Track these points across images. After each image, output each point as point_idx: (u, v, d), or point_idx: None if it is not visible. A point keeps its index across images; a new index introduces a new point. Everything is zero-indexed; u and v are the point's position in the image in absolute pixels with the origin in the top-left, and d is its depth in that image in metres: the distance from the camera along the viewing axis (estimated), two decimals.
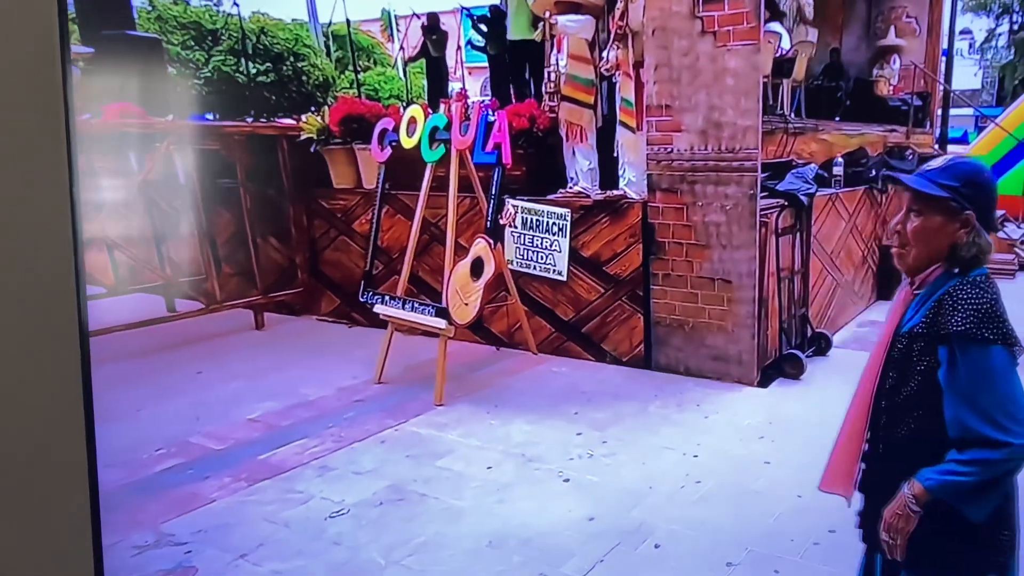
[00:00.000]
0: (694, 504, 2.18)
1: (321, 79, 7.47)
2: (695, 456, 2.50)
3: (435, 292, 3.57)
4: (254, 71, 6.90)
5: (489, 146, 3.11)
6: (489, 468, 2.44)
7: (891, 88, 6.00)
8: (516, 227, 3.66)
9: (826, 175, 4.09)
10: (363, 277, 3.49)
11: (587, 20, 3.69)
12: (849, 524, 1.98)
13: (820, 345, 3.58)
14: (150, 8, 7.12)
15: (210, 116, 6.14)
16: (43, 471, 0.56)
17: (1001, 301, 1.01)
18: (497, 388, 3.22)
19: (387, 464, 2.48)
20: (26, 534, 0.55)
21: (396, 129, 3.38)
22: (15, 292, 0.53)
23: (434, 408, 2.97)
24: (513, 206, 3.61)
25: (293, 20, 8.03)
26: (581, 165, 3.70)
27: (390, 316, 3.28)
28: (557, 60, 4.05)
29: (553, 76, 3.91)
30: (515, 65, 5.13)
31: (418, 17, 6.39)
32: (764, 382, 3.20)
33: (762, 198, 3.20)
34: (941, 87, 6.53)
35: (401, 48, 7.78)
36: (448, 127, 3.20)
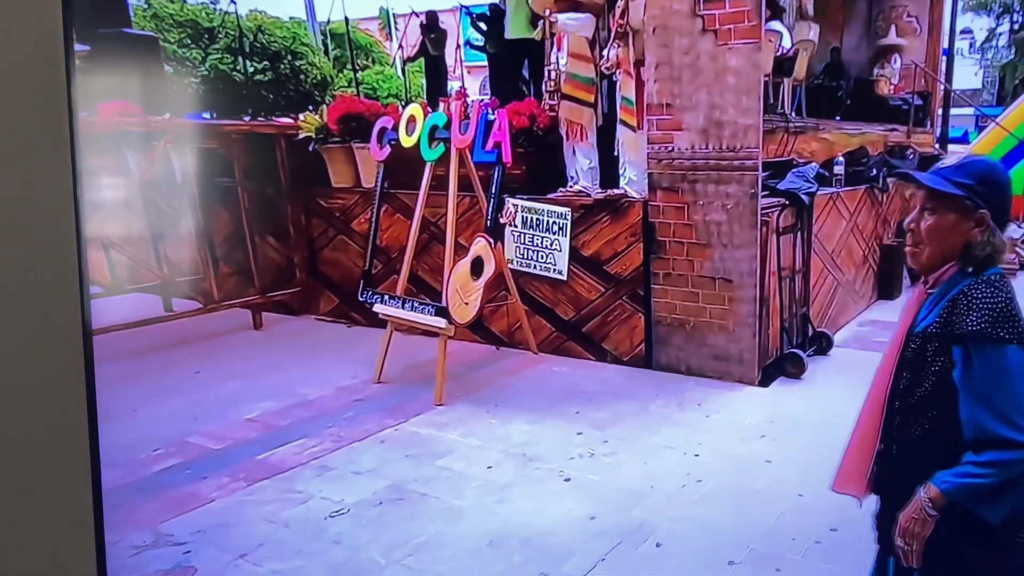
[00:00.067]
0: (695, 503, 2.18)
1: (319, 78, 7.45)
2: (696, 455, 2.50)
3: (435, 291, 3.56)
4: (251, 69, 6.87)
5: (489, 145, 3.10)
6: (489, 468, 2.43)
7: (892, 87, 6.00)
8: (516, 226, 3.64)
9: (827, 174, 4.08)
10: (362, 276, 3.48)
11: (587, 18, 3.68)
12: (850, 523, 1.98)
13: (821, 344, 3.57)
14: (146, 6, 7.09)
15: (207, 115, 6.11)
16: (47, 470, 0.56)
17: (1016, 300, 1.00)
18: (497, 388, 3.21)
19: (387, 464, 2.47)
20: (30, 533, 0.55)
21: (395, 128, 3.37)
22: (19, 291, 0.53)
23: (434, 408, 2.95)
24: (513, 205, 3.59)
25: (291, 18, 8.00)
26: (581, 164, 3.68)
27: (390, 315, 3.26)
28: (557, 58, 4.03)
29: (553, 74, 3.89)
30: (513, 64, 5.12)
31: (417, 16, 6.37)
32: (765, 381, 3.19)
33: (763, 197, 3.20)
34: (942, 86, 6.54)
35: (400, 47, 7.76)
36: (448, 126, 3.18)
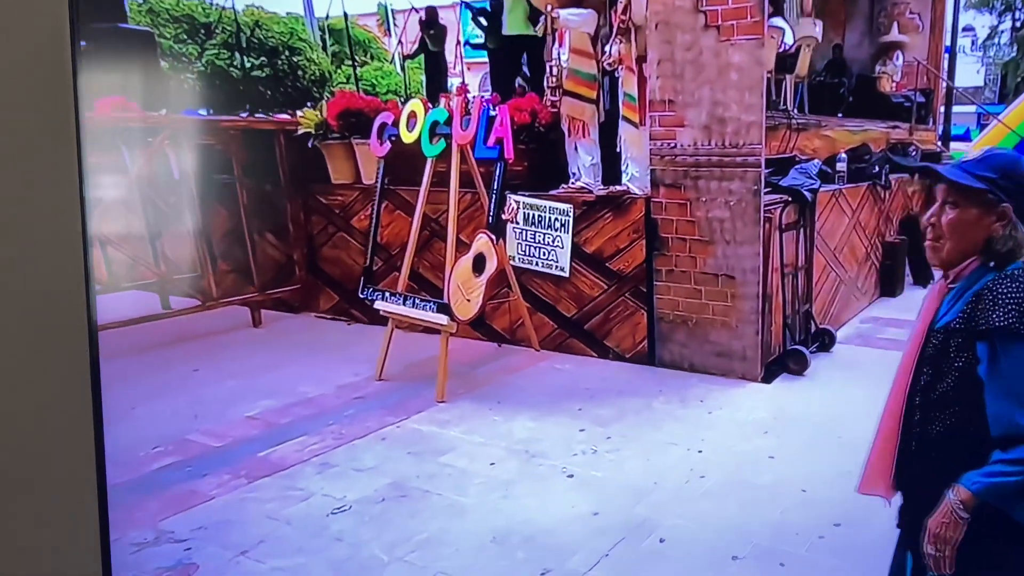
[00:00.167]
0: (699, 499, 2.17)
1: (317, 74, 7.41)
2: (699, 451, 2.49)
3: (436, 289, 3.54)
4: (248, 65, 6.82)
5: (491, 140, 3.08)
6: (492, 464, 2.42)
7: (894, 84, 5.99)
8: (518, 223, 3.63)
9: (829, 171, 4.08)
10: (363, 273, 3.46)
11: (589, 14, 3.66)
12: (854, 518, 1.98)
13: (824, 341, 3.57)
14: (141, 1, 7.04)
15: (203, 112, 6.07)
16: (52, 467, 0.56)
17: None
18: (499, 385, 3.19)
19: (388, 461, 2.45)
20: (36, 529, 0.55)
21: (396, 123, 3.34)
22: (26, 289, 0.53)
23: (436, 405, 2.94)
24: (515, 201, 3.58)
25: (288, 14, 7.93)
26: (583, 160, 3.67)
27: (391, 312, 3.24)
28: (559, 54, 4.02)
29: (555, 70, 3.88)
30: (511, 60, 5.09)
31: (416, 12, 6.34)
32: (768, 378, 3.19)
33: (766, 194, 3.19)
34: (944, 83, 6.53)
35: (399, 43, 7.72)
36: (449, 121, 3.16)
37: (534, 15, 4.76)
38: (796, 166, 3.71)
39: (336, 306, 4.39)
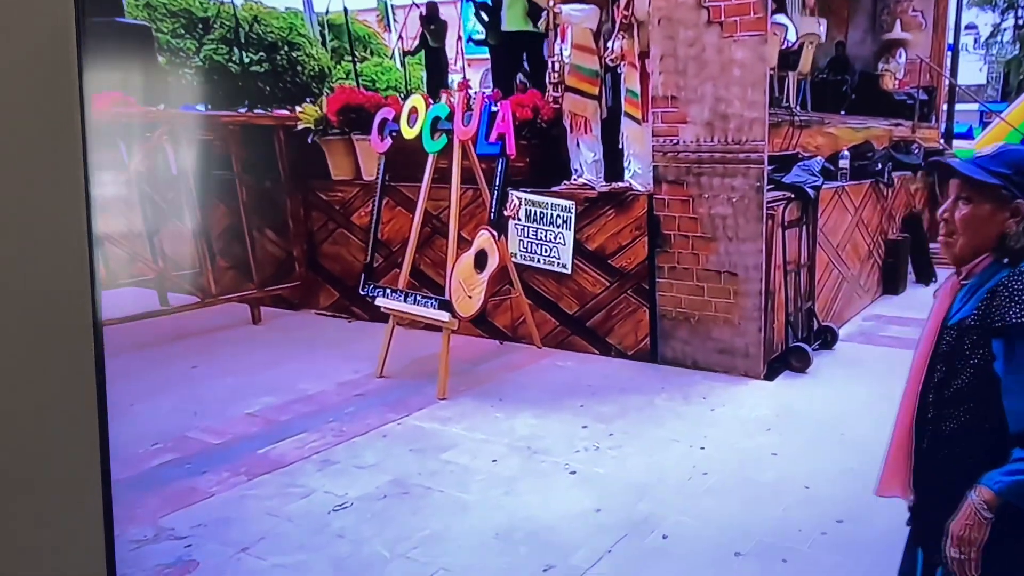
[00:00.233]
0: (701, 496, 2.16)
1: (317, 69, 7.37)
2: (702, 448, 2.48)
3: (437, 286, 3.52)
4: (247, 61, 6.78)
5: (493, 136, 3.06)
6: (494, 461, 2.41)
7: (896, 82, 5.98)
8: (519, 219, 3.61)
9: (832, 168, 4.06)
10: (363, 270, 3.44)
11: (592, 9, 3.64)
12: (857, 514, 1.98)
13: (826, 339, 3.56)
14: None
15: (201, 107, 6.03)
16: (57, 464, 0.55)
17: None
18: (501, 382, 3.18)
19: (390, 458, 2.44)
20: (39, 527, 0.55)
21: (396, 119, 3.32)
22: (29, 289, 0.52)
23: (437, 402, 2.92)
24: (517, 198, 3.56)
25: (287, 8, 7.88)
26: (585, 157, 3.65)
27: (392, 309, 3.22)
28: (561, 50, 3.99)
29: (557, 66, 3.86)
30: (511, 57, 5.07)
31: (417, 7, 6.30)
32: (770, 375, 3.18)
33: (769, 191, 3.17)
34: (947, 81, 6.51)
35: (399, 38, 7.69)
36: (450, 117, 3.14)
37: (533, 11, 4.74)
38: (799, 163, 3.70)
39: (336, 303, 4.37)
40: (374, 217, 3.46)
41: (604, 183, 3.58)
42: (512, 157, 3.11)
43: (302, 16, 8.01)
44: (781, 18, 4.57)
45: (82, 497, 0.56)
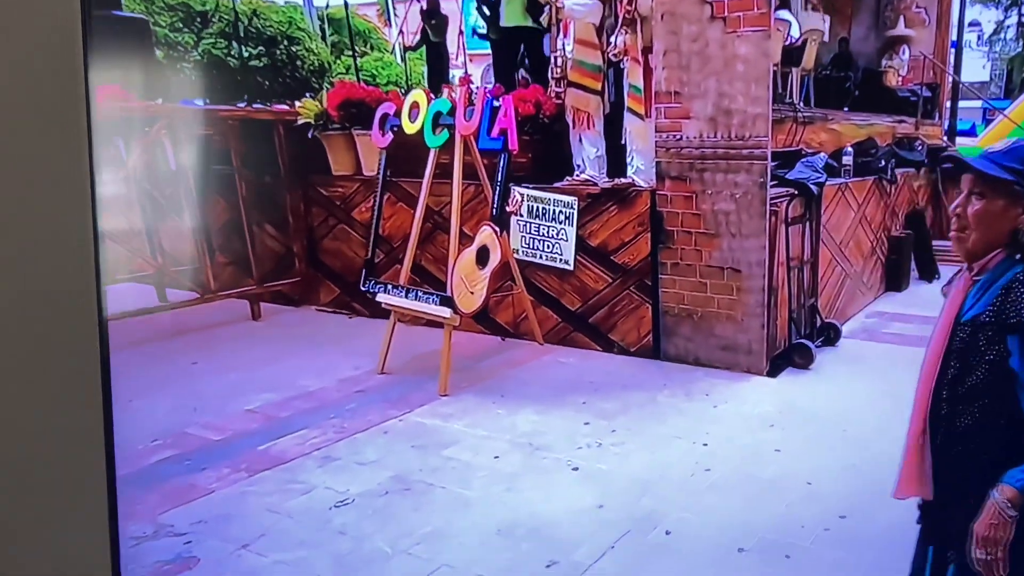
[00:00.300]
0: (704, 492, 2.15)
1: (316, 64, 7.33)
2: (705, 445, 2.47)
3: (438, 282, 3.50)
4: (246, 55, 6.74)
5: (495, 131, 3.03)
6: (496, 457, 2.40)
7: (900, 79, 5.96)
8: (522, 215, 3.59)
9: (836, 165, 4.04)
10: (364, 266, 3.42)
11: (595, 4, 3.61)
12: (859, 510, 1.97)
13: (829, 335, 3.55)
14: None
15: (200, 102, 5.99)
16: (60, 462, 0.55)
17: None
18: (503, 378, 3.17)
19: (391, 454, 2.42)
20: (43, 525, 0.54)
21: (398, 114, 3.30)
22: (33, 286, 0.52)
23: (439, 399, 2.91)
24: (519, 194, 3.54)
25: (287, 2, 7.83)
26: (588, 152, 3.63)
27: (393, 305, 3.21)
28: (563, 45, 3.96)
29: (559, 62, 3.83)
30: (512, 52, 5.03)
31: (418, 1, 6.26)
32: (773, 372, 3.17)
33: (772, 187, 3.15)
34: (950, 78, 6.49)
35: (400, 33, 7.64)
36: (452, 112, 3.12)
37: (533, 7, 4.69)
38: (802, 159, 3.68)
39: (337, 299, 4.35)
40: (375, 213, 3.44)
41: (607, 179, 3.55)
42: (514, 152, 3.09)
43: (301, 10, 7.96)
44: (785, 14, 4.54)
45: (86, 496, 0.55)
